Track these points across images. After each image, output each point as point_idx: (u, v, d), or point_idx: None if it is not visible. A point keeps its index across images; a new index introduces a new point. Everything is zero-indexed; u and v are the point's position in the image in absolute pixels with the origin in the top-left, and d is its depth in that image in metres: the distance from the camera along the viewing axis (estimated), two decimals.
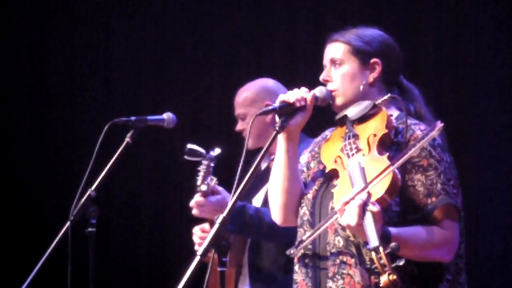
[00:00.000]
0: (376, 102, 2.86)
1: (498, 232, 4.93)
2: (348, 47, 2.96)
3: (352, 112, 2.88)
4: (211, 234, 2.64)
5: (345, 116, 2.89)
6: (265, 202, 3.98)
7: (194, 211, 3.83)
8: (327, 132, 3.08)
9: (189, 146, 3.81)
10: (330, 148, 2.89)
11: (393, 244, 2.44)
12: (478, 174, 4.93)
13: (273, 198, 3.00)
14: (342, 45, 2.97)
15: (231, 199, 2.74)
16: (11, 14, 6.24)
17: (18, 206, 6.15)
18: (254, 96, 4.19)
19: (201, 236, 4.05)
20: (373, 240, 2.47)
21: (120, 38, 6.13)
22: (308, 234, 2.81)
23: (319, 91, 2.94)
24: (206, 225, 4.07)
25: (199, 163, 3.80)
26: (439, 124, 2.64)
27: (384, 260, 2.43)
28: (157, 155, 5.98)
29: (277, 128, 2.84)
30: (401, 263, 2.42)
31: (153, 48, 6.04)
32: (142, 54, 6.07)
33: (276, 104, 2.88)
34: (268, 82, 4.25)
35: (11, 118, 6.22)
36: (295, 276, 2.92)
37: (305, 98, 2.89)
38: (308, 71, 5.33)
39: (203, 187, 3.76)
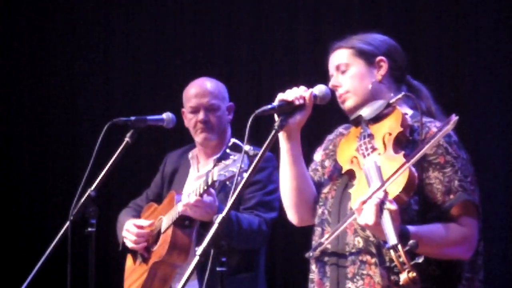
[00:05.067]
0: (390, 101, 2.87)
1: (498, 232, 4.92)
2: (352, 50, 2.98)
3: (366, 111, 2.88)
4: (211, 234, 2.64)
5: (360, 116, 2.89)
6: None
7: (184, 209, 3.77)
8: (340, 129, 3.10)
9: (233, 140, 3.85)
10: (345, 148, 2.90)
11: (411, 241, 2.45)
12: (478, 174, 4.92)
13: (284, 198, 3.02)
14: (346, 50, 2.99)
15: (230, 198, 2.74)
16: (11, 14, 6.24)
17: (18, 206, 6.15)
18: (223, 93, 4.21)
19: (138, 233, 3.98)
20: (392, 238, 2.48)
21: (120, 38, 6.13)
22: (326, 236, 2.81)
23: (318, 89, 2.95)
24: (141, 221, 4.00)
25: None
26: (454, 118, 2.64)
27: (403, 258, 2.43)
28: (157, 155, 5.97)
29: (276, 128, 2.85)
30: (420, 260, 2.42)
31: (153, 48, 6.04)
32: (142, 54, 6.07)
33: (275, 103, 2.89)
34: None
35: (11, 118, 6.22)
36: (312, 276, 2.93)
37: (304, 97, 2.89)
38: (307, 71, 5.34)
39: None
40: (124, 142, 3.73)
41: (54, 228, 3.70)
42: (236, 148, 3.82)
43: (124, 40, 6.12)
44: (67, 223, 3.57)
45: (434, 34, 5.21)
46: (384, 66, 2.96)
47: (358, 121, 2.91)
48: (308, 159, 3.09)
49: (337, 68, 2.99)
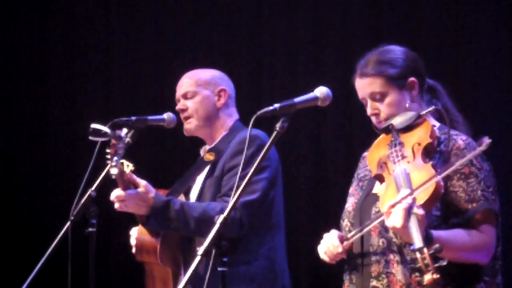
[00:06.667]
0: (421, 113, 3.00)
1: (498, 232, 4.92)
2: (382, 78, 3.06)
3: (398, 121, 3.01)
4: (212, 234, 2.64)
5: (391, 124, 3.02)
6: (200, 195, 3.85)
7: (116, 206, 3.66)
8: (364, 154, 3.21)
9: (93, 125, 3.61)
10: (376, 154, 3.04)
11: (436, 245, 2.61)
12: None
13: None
14: (376, 79, 3.06)
15: (232, 198, 2.74)
16: (11, 14, 6.24)
17: (18, 206, 6.15)
18: (209, 78, 4.04)
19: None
20: (418, 241, 2.63)
21: (120, 38, 6.13)
22: (352, 233, 2.95)
23: (319, 91, 2.98)
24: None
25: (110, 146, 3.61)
26: (487, 140, 2.81)
27: (427, 260, 2.58)
28: (157, 155, 5.97)
29: (277, 129, 2.85)
30: (444, 263, 2.60)
31: (153, 48, 6.04)
32: (142, 54, 6.07)
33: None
34: (220, 72, 4.12)
35: (11, 118, 6.22)
36: (344, 276, 3.06)
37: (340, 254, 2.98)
38: (307, 71, 5.33)
39: (114, 171, 3.56)
40: (125, 142, 3.72)
41: (54, 228, 3.70)
42: (97, 133, 3.64)
43: (124, 40, 6.12)
44: (68, 223, 3.56)
45: (434, 34, 5.21)
46: (415, 87, 3.08)
47: (388, 129, 3.03)
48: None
49: (371, 96, 3.07)
